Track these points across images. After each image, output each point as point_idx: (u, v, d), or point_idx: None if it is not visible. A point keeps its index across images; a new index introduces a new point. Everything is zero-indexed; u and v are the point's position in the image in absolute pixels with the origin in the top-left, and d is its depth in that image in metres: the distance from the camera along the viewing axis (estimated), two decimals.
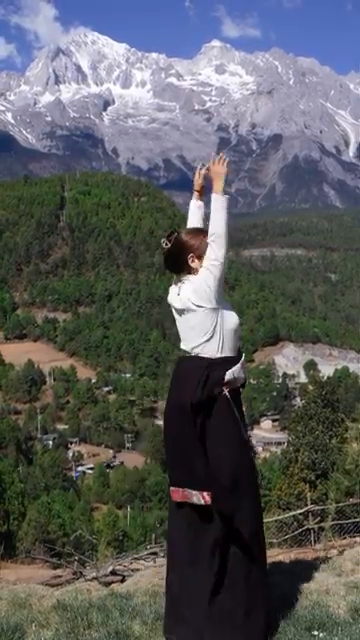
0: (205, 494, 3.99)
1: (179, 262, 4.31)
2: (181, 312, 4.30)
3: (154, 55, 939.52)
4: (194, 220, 4.84)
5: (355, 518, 12.10)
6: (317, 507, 13.24)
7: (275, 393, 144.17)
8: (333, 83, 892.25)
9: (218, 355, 4.16)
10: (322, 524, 12.02)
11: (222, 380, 4.12)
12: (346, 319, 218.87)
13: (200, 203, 4.92)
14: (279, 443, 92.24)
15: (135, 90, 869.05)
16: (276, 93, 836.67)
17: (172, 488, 4.20)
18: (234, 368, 4.16)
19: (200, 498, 4.01)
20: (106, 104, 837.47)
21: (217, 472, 4.02)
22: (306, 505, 13.47)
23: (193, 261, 4.26)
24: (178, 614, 4.10)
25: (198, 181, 4.89)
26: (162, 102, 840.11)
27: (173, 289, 4.39)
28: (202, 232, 4.37)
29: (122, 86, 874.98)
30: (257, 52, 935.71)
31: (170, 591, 4.23)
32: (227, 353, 4.19)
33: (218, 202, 4.31)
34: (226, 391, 4.13)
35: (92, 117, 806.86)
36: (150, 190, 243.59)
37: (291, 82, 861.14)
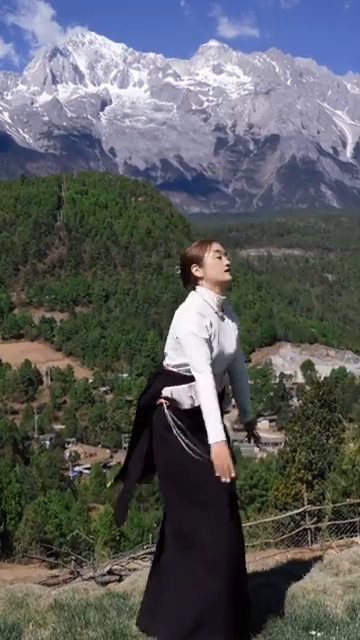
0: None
1: (185, 276, 4.28)
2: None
3: (151, 55, 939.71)
4: None
5: (352, 518, 12.10)
6: (314, 507, 13.25)
7: (272, 393, 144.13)
8: (330, 83, 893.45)
9: (172, 368, 4.21)
10: (319, 524, 12.04)
11: (159, 393, 4.16)
12: (343, 319, 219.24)
13: None
14: (276, 443, 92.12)
15: (132, 90, 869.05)
16: (273, 93, 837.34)
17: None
18: (176, 387, 4.12)
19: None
20: (103, 104, 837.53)
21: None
22: (303, 505, 13.47)
23: (197, 270, 4.20)
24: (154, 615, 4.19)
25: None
26: (159, 102, 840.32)
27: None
28: (205, 242, 4.30)
29: (119, 86, 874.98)
30: (254, 52, 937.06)
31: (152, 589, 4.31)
32: (195, 372, 4.07)
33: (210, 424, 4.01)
34: (165, 405, 4.12)
35: (89, 117, 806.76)
36: (147, 190, 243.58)
37: (288, 82, 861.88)
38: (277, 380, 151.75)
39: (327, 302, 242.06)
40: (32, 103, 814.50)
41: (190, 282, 4.25)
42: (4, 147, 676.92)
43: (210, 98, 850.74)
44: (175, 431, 4.10)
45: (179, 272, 4.30)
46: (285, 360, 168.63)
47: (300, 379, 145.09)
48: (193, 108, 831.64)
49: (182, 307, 4.18)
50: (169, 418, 4.11)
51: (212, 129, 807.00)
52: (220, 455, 3.87)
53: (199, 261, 4.21)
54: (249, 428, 4.65)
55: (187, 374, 4.11)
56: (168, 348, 4.24)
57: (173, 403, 4.12)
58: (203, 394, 3.95)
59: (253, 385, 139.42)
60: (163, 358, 4.34)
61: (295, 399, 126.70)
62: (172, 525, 4.19)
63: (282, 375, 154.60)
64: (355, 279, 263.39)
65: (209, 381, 3.95)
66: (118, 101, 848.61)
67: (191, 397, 4.08)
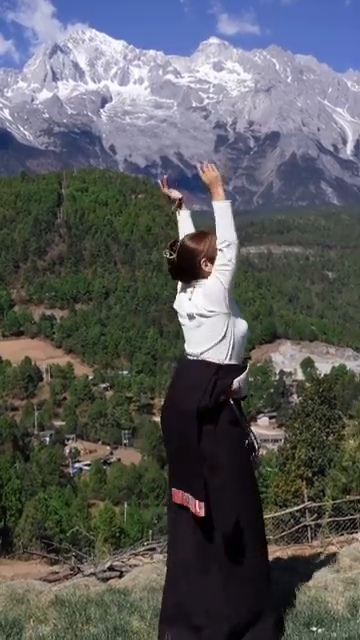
0: (198, 504, 3.94)
1: (190, 269, 4.24)
2: (191, 317, 4.20)
3: (152, 52, 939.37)
4: (187, 229, 4.79)
5: (352, 515, 12.11)
6: (314, 504, 13.26)
7: (272, 390, 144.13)
8: (331, 81, 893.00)
9: (226, 362, 4.10)
10: (319, 521, 12.04)
11: (229, 388, 4.05)
12: (343, 317, 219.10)
13: (188, 211, 4.91)
14: (276, 440, 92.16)
15: (133, 87, 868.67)
16: (274, 90, 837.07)
17: (173, 490, 4.15)
18: (241, 376, 4.10)
19: (195, 506, 3.96)
20: (104, 101, 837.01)
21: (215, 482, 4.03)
22: (303, 502, 13.48)
23: (206, 265, 4.18)
24: (187, 622, 4.00)
25: (172, 193, 4.84)
26: (160, 99, 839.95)
27: (183, 295, 4.30)
28: (206, 235, 4.31)
29: (120, 83, 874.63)
30: (255, 49, 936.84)
31: (173, 598, 4.11)
32: (234, 360, 4.13)
33: (222, 208, 4.22)
34: (231, 399, 4.06)
35: (90, 114, 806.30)
36: (147, 187, 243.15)
37: (289, 79, 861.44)
38: (277, 377, 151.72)
39: (327, 300, 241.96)
40: (32, 100, 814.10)
41: (193, 275, 4.23)
42: (4, 144, 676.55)
43: (210, 95, 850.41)
44: (243, 424, 4.13)
45: (171, 258, 4.31)
46: (285, 357, 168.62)
47: (300, 376, 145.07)
48: (193, 105, 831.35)
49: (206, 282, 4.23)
50: (236, 412, 4.09)
51: (212, 126, 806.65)
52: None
53: (208, 256, 4.21)
54: None
55: (235, 362, 4.16)
56: (211, 346, 4.12)
57: (237, 394, 4.11)
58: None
59: (253, 382, 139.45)
60: (201, 362, 4.18)
61: (295, 396, 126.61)
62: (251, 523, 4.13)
63: (282, 372, 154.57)
64: (355, 277, 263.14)
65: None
66: (118, 98, 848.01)
67: (241, 386, 4.12)
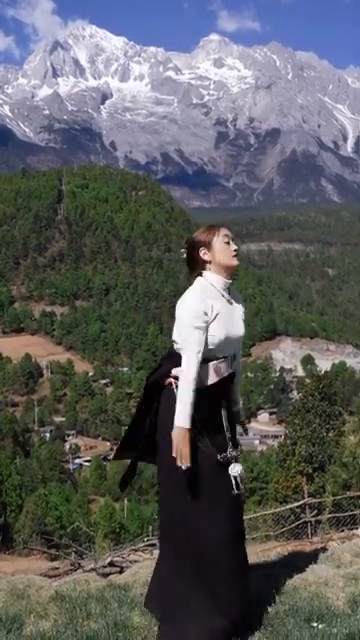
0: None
1: (190, 260, 4.26)
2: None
3: (152, 49, 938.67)
4: None
5: (352, 511, 12.12)
6: (314, 500, 13.27)
7: (272, 386, 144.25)
8: (331, 77, 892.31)
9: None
10: (319, 517, 12.05)
11: (168, 373, 4.15)
12: (343, 314, 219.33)
13: None
14: (276, 436, 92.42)
15: (133, 84, 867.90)
16: (274, 87, 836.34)
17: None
18: (179, 368, 4.08)
19: None
20: (104, 98, 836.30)
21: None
22: (303, 498, 13.50)
23: (205, 253, 4.19)
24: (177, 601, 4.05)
25: None
26: (160, 96, 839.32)
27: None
28: (213, 227, 4.30)
29: (120, 80, 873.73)
30: (255, 46, 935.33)
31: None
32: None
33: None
34: (174, 386, 4.09)
35: (90, 111, 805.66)
36: (148, 184, 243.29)
37: (289, 76, 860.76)
38: (277, 374, 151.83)
39: (327, 296, 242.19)
40: (33, 97, 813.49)
41: (197, 267, 4.23)
42: (4, 141, 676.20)
43: (211, 92, 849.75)
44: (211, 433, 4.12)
45: (184, 256, 4.30)
46: (285, 354, 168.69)
47: (300, 373, 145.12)
48: (194, 102, 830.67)
49: (186, 291, 4.18)
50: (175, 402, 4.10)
51: (213, 123, 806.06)
52: (178, 439, 3.92)
53: (207, 245, 4.21)
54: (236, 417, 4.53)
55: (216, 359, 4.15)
56: (175, 334, 4.19)
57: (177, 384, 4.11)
58: (183, 378, 3.99)
59: (253, 378, 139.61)
60: (171, 345, 4.29)
61: (295, 392, 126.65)
62: (163, 514, 4.25)
63: (282, 369, 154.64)
64: (355, 273, 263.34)
65: (192, 366, 3.98)
66: (119, 95, 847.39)
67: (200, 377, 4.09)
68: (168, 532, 4.19)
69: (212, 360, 4.09)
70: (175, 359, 4.13)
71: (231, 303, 4.23)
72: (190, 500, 4.03)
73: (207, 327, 4.03)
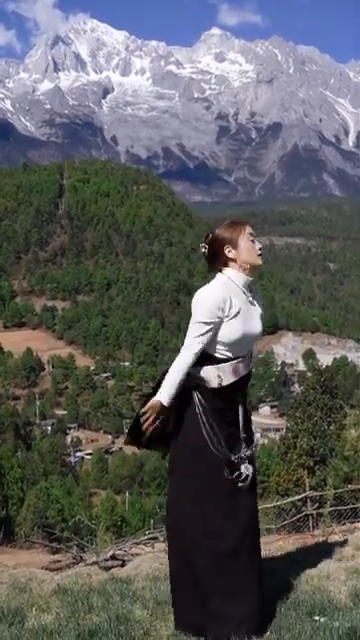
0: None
1: (215, 257, 4.19)
2: None
3: (154, 43, 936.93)
4: None
5: (353, 504, 12.13)
6: (315, 493, 13.29)
7: (274, 380, 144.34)
8: (333, 71, 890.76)
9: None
10: (320, 510, 12.05)
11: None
12: (345, 308, 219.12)
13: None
14: (277, 429, 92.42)
15: (134, 78, 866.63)
16: (276, 81, 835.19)
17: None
18: (205, 368, 4.10)
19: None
20: (105, 92, 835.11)
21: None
22: (304, 491, 13.51)
23: (230, 251, 4.14)
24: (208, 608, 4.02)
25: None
26: (161, 90, 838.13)
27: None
28: (238, 224, 4.25)
29: (121, 74, 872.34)
30: (257, 40, 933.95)
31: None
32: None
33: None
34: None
35: (91, 105, 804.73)
36: (149, 178, 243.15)
37: (291, 70, 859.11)
38: (279, 368, 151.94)
39: (329, 291, 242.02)
40: (34, 91, 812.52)
41: (219, 264, 4.18)
42: (6, 135, 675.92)
43: (212, 86, 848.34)
44: (197, 410, 4.11)
45: (204, 251, 4.23)
46: (287, 349, 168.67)
47: (302, 367, 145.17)
48: (195, 96, 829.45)
49: (206, 285, 4.14)
50: (195, 398, 4.11)
51: (214, 117, 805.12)
52: (152, 406, 4.00)
53: (233, 243, 4.15)
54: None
55: (214, 354, 4.11)
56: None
57: (200, 382, 4.09)
58: (175, 365, 4.04)
59: (254, 372, 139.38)
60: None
61: (297, 385, 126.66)
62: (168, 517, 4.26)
63: (284, 364, 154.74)
64: (357, 268, 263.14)
65: (187, 358, 4.01)
66: (120, 89, 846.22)
67: (219, 376, 4.07)
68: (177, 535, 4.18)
69: (231, 360, 4.08)
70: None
71: (253, 304, 4.18)
72: (198, 499, 4.06)
73: (221, 323, 4.01)
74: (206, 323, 3.98)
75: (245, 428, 4.18)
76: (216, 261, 4.19)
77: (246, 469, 4.06)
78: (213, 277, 4.19)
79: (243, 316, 4.07)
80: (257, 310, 4.21)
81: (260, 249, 4.19)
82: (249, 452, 4.14)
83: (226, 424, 4.09)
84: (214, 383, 4.07)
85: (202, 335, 3.99)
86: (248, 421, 4.23)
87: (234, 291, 4.08)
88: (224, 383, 4.06)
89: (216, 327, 4.01)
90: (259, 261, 4.18)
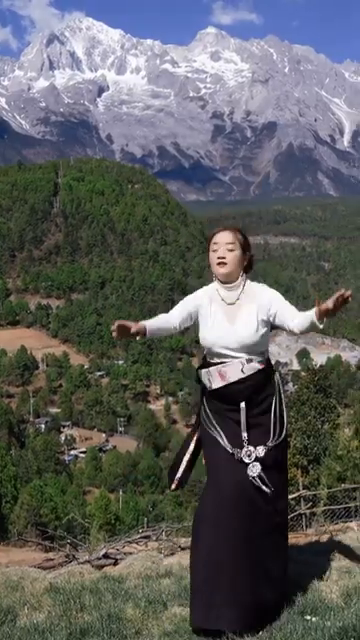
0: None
1: (242, 262, 4.28)
2: None
3: (149, 41, 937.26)
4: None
5: (347, 503, 12.13)
6: (309, 492, 13.27)
7: None
8: (328, 71, 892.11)
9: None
10: (314, 509, 12.05)
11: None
12: None
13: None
14: None
15: (130, 76, 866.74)
16: (271, 81, 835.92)
17: None
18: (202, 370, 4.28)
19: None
20: (100, 90, 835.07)
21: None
22: (298, 490, 13.49)
23: (209, 265, 4.33)
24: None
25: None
26: (157, 89, 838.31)
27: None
28: (210, 235, 4.35)
29: (117, 72, 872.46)
30: (252, 39, 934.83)
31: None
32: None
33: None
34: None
35: (86, 103, 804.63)
36: (144, 177, 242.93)
37: (286, 70, 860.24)
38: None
39: (323, 290, 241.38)
40: (29, 89, 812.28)
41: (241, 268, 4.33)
42: (1, 133, 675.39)
43: (207, 85, 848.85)
44: (202, 407, 4.28)
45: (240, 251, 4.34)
46: (281, 348, 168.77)
47: (296, 367, 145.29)
48: (190, 95, 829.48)
49: None
50: (200, 395, 4.33)
51: (209, 116, 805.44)
52: (137, 324, 4.08)
53: (207, 252, 4.32)
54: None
55: (207, 357, 4.26)
56: None
57: (203, 384, 4.28)
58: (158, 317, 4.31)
59: None
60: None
61: (290, 384, 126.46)
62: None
63: (278, 363, 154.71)
64: (351, 267, 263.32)
65: (168, 317, 4.28)
66: (115, 87, 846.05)
67: (208, 380, 4.18)
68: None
69: (217, 364, 4.17)
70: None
71: (239, 308, 4.21)
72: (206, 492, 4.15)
73: (197, 315, 4.28)
74: (185, 299, 4.31)
75: (251, 431, 4.09)
76: (241, 265, 4.34)
77: (253, 469, 4.02)
78: (210, 276, 4.37)
79: (218, 321, 4.17)
80: (245, 314, 4.22)
81: (219, 258, 4.18)
82: (259, 453, 4.05)
83: (227, 425, 4.13)
84: (207, 386, 4.21)
85: (179, 305, 4.29)
86: (259, 426, 4.12)
87: (212, 296, 4.25)
88: (213, 387, 4.15)
89: (191, 313, 4.27)
90: (218, 270, 4.20)
